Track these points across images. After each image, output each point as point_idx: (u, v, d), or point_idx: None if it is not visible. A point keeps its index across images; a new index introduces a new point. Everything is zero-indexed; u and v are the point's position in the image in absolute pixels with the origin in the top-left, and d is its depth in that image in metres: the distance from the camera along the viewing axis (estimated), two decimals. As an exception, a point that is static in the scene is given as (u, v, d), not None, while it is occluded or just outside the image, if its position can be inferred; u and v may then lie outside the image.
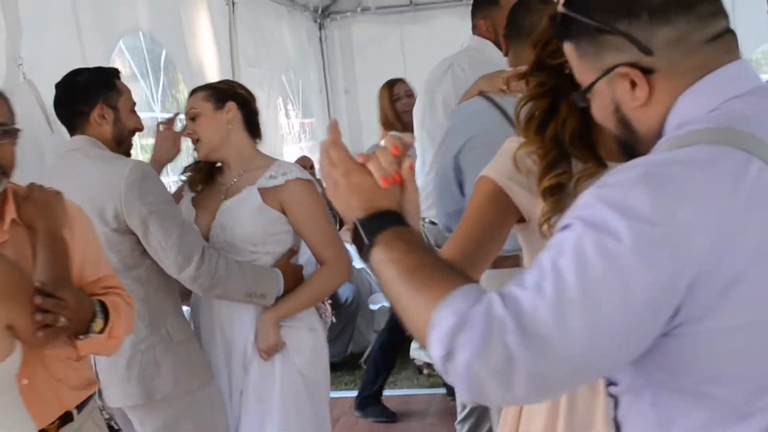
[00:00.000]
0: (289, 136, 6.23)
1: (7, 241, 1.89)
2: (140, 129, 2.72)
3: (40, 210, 1.92)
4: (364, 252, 1.24)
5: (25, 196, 1.93)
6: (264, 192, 2.68)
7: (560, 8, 1.24)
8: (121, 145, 2.66)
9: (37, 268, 1.84)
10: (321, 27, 6.77)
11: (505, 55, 2.79)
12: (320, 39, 6.76)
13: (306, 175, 2.73)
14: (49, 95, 2.74)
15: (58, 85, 2.62)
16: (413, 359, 4.98)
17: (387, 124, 4.86)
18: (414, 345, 4.82)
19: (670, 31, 1.17)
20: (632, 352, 1.07)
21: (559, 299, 1.03)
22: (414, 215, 1.31)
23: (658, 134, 1.21)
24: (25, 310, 1.68)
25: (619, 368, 1.14)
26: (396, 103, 4.87)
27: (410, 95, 4.86)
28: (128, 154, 2.70)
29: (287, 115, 6.17)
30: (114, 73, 2.69)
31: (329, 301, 3.01)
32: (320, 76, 6.73)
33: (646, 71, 1.18)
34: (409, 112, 4.88)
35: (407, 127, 4.82)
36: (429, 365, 4.81)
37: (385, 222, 1.25)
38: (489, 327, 1.03)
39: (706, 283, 1.03)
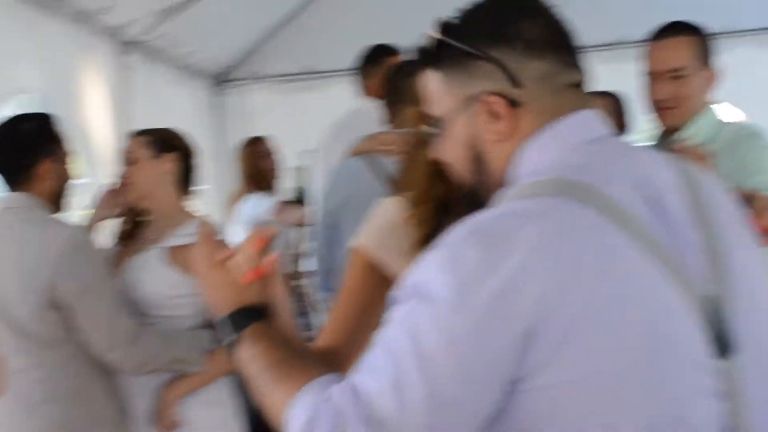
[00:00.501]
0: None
1: None
2: (75, 177, 2.62)
3: None
4: (228, 349, 1.26)
5: None
6: (171, 251, 2.58)
7: (434, 34, 1.23)
8: (60, 198, 2.55)
9: None
10: (218, 94, 6.76)
11: (390, 120, 2.87)
12: (217, 106, 6.74)
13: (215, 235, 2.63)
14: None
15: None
16: None
17: (251, 181, 4.82)
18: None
19: (541, 67, 1.19)
20: (478, 415, 1.06)
21: (395, 378, 1.03)
22: (281, 307, 1.33)
23: (503, 180, 1.21)
24: None
25: None
26: (261, 161, 4.85)
27: (273, 153, 4.92)
28: (63, 205, 2.58)
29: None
30: (54, 120, 2.56)
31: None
32: (216, 144, 6.69)
33: (512, 103, 1.18)
34: (275, 170, 4.90)
35: (273, 185, 4.83)
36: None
37: (247, 319, 1.26)
38: (335, 420, 1.04)
39: (540, 336, 1.03)
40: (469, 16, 1.23)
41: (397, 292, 1.12)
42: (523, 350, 1.03)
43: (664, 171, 1.22)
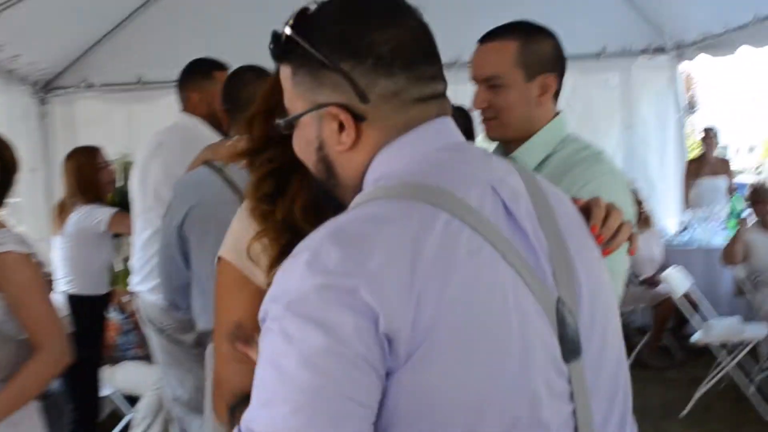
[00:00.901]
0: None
1: None
2: None
3: None
4: None
5: None
6: None
7: (287, 29, 1.21)
8: None
9: None
10: (42, 102, 6.48)
11: (227, 129, 2.82)
12: (40, 114, 6.46)
13: (23, 247, 2.45)
14: None
15: None
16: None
17: (82, 192, 4.59)
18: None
19: (390, 84, 1.18)
20: (374, 407, 1.06)
21: (290, 396, 1.02)
22: None
23: (358, 185, 1.22)
24: None
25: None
26: (98, 172, 4.66)
27: (108, 164, 4.74)
28: None
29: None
30: None
31: None
32: (37, 154, 6.38)
33: (357, 117, 1.18)
34: (111, 182, 4.73)
35: (104, 196, 4.67)
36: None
37: (242, 406, 1.25)
38: None
39: (402, 334, 1.03)
40: (325, 17, 1.21)
41: (264, 307, 1.09)
42: (388, 348, 1.03)
43: (514, 177, 1.24)
